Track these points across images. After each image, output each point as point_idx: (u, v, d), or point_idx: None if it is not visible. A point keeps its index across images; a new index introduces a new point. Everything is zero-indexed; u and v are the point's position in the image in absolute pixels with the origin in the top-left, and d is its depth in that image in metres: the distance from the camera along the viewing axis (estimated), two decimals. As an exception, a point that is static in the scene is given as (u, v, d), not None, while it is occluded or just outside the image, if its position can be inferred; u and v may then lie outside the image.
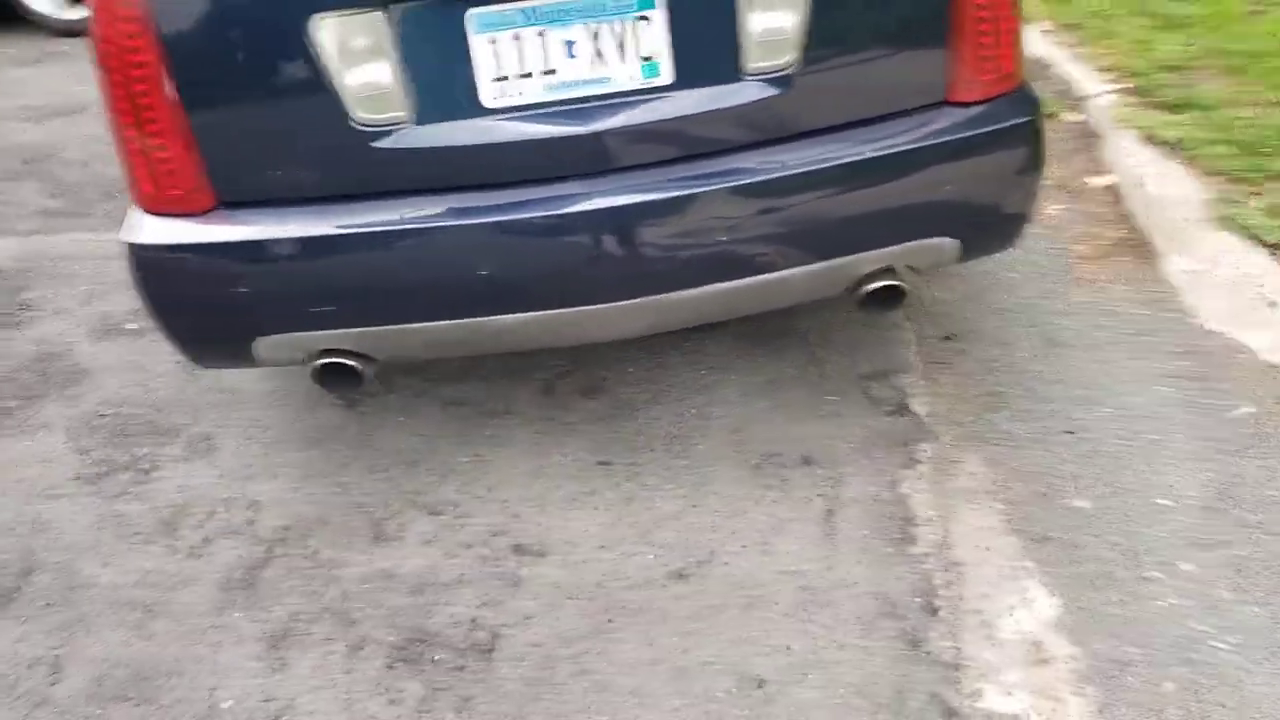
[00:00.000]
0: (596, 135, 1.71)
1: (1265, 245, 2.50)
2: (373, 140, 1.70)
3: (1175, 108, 3.25)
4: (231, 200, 1.76)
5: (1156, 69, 3.50)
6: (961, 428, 2.22)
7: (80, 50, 4.97)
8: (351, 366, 1.89)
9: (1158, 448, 2.09)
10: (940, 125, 1.79)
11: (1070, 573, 1.85)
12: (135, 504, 2.22)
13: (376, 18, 1.63)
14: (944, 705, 1.64)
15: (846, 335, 2.54)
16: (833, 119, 1.79)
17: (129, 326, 2.86)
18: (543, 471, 2.21)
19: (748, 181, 1.74)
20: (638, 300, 1.80)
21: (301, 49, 1.62)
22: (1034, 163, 1.88)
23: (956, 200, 1.84)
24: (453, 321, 1.81)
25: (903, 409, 2.29)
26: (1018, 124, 1.82)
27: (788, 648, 1.76)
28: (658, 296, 1.81)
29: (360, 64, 1.66)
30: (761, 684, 1.70)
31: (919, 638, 1.76)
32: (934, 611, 1.81)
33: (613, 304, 1.80)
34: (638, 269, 1.78)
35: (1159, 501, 1.97)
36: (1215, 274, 2.51)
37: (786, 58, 1.71)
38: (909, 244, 1.86)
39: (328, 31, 1.62)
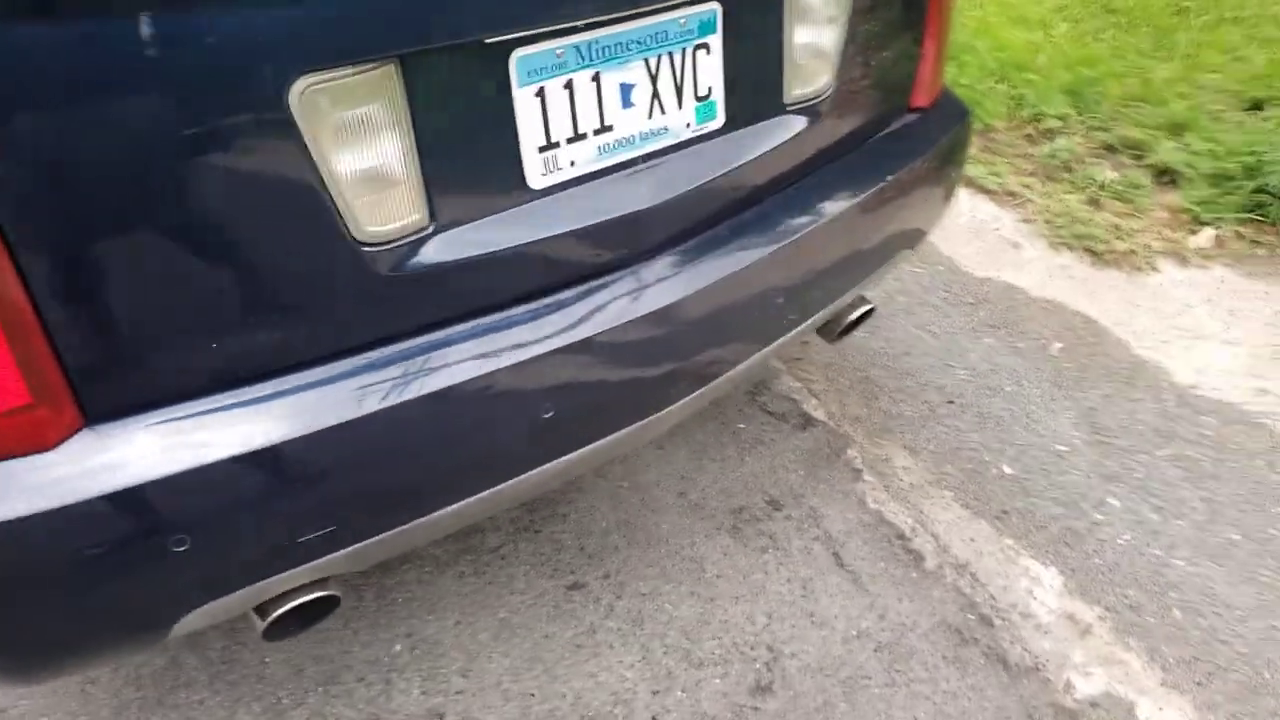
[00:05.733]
0: (657, 205, 1.30)
1: (986, 192, 2.86)
2: (379, 263, 1.08)
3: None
4: (115, 409, 1.00)
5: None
6: (863, 423, 2.22)
7: None
8: (329, 596, 1.24)
9: (1022, 398, 2.30)
10: (923, 132, 1.69)
11: (1043, 539, 1.97)
12: None
13: (386, 74, 1.02)
14: (1062, 710, 1.66)
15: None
16: (847, 144, 1.58)
17: None
18: (513, 626, 1.71)
19: (804, 231, 1.46)
20: (701, 390, 1.44)
21: (272, 130, 0.95)
22: (966, 154, 1.88)
23: (925, 205, 1.77)
24: (495, 489, 1.27)
25: (808, 419, 2.21)
26: (968, 118, 1.80)
27: (919, 721, 1.64)
28: (717, 380, 1.47)
29: (359, 146, 1.03)
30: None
31: (1001, 654, 1.75)
32: (990, 624, 1.80)
33: (679, 403, 1.42)
34: (712, 355, 1.42)
35: (1058, 448, 2.18)
36: (956, 223, 2.81)
37: (823, 82, 1.46)
38: (891, 261, 1.76)
39: (315, 100, 0.97)
